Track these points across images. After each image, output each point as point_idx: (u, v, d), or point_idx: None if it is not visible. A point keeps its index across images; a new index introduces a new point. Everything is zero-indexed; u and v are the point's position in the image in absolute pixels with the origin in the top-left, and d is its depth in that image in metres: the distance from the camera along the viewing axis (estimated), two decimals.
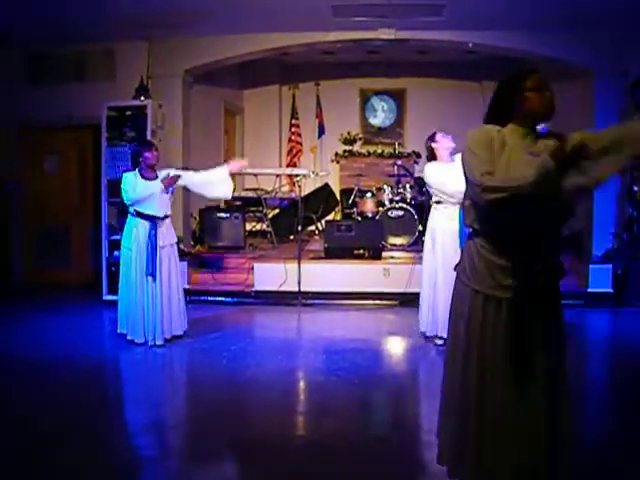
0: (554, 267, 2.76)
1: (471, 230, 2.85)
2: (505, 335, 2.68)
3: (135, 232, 6.12)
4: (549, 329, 2.72)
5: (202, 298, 8.43)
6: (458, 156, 5.70)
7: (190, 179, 6.35)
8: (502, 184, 2.51)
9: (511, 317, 2.67)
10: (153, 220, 6.10)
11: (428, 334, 6.26)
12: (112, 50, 9.12)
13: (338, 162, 12.80)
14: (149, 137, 8.11)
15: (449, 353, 2.93)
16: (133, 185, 6.04)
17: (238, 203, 10.61)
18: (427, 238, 6.31)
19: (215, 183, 6.34)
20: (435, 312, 6.08)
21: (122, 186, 6.12)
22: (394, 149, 11.54)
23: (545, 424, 2.66)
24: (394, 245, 9.20)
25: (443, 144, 6.10)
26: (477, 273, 2.76)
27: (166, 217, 6.24)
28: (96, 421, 4.37)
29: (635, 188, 8.38)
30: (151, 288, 6.09)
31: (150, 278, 6.07)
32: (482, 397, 2.70)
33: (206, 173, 6.34)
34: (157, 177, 6.14)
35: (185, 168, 7.04)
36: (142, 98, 8.53)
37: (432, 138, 6.19)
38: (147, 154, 6.09)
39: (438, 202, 6.10)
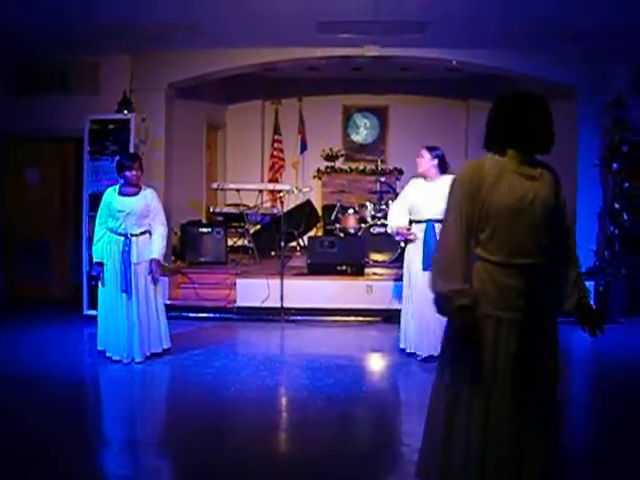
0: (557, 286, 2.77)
1: (477, 256, 2.75)
2: (515, 355, 2.65)
3: (109, 248, 6.07)
4: (549, 348, 2.74)
5: (184, 314, 8.32)
6: (446, 178, 5.67)
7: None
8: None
9: (522, 337, 2.66)
10: (127, 236, 6.06)
11: (409, 351, 6.25)
12: (97, 63, 9.03)
13: (320, 178, 12.80)
14: (132, 151, 8.03)
15: (449, 378, 2.80)
16: (108, 201, 6.04)
17: (220, 218, 10.57)
18: (405, 255, 6.34)
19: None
20: (417, 329, 6.07)
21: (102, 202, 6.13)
22: (376, 166, 11.55)
23: (544, 448, 2.67)
24: (376, 261, 9.20)
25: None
26: (486, 296, 2.68)
27: (143, 233, 6.16)
28: (72, 439, 4.27)
29: (616, 206, 8.46)
30: (127, 304, 6.03)
31: (125, 295, 6.02)
32: (488, 414, 2.66)
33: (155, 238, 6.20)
34: (139, 193, 6.11)
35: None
36: (125, 112, 8.48)
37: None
38: (127, 173, 6.04)
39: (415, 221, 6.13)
